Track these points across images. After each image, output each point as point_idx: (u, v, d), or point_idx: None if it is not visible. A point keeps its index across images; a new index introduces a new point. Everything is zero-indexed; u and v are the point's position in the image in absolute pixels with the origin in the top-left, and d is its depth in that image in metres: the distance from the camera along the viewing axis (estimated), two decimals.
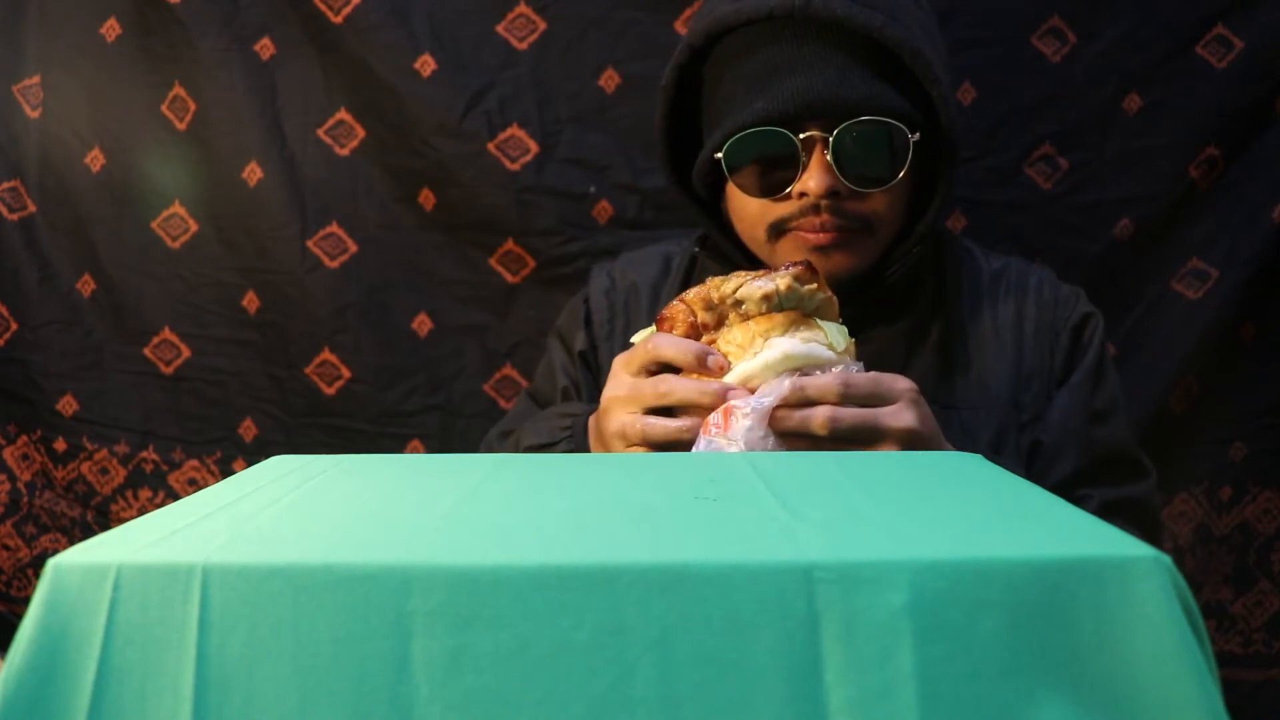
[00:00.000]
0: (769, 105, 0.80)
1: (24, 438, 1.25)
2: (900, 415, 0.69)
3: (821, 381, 0.68)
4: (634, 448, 0.73)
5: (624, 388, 0.73)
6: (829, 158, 0.80)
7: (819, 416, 0.67)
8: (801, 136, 0.80)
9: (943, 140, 0.83)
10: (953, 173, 0.85)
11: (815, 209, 0.82)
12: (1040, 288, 0.90)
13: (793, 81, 0.80)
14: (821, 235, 0.82)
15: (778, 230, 0.84)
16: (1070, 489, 0.83)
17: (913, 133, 0.80)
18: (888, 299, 0.87)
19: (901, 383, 0.70)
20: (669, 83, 0.88)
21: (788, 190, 0.82)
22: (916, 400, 0.70)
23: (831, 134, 0.80)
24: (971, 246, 0.94)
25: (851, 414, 0.68)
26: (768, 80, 0.81)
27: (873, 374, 0.70)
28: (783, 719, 0.39)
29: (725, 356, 0.71)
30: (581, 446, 0.81)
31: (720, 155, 0.83)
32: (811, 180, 0.81)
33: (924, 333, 0.87)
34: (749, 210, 0.85)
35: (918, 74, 0.80)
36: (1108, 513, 0.82)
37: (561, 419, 0.86)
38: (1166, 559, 0.40)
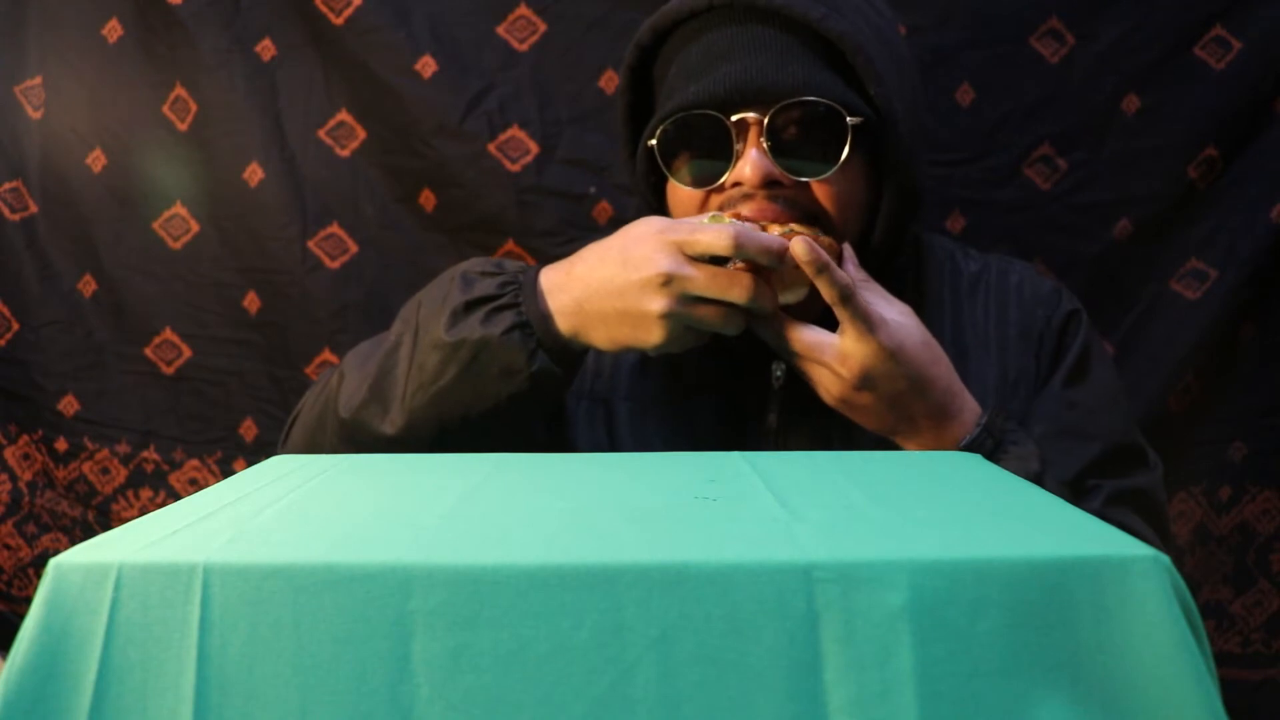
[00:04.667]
0: (701, 89, 0.78)
1: (25, 437, 1.25)
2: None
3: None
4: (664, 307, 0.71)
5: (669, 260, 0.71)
6: (765, 143, 0.78)
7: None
8: (734, 119, 0.78)
9: (889, 137, 0.80)
10: (902, 173, 0.82)
11: (751, 199, 0.79)
12: (1021, 287, 0.89)
13: (728, 66, 0.78)
14: None
15: None
16: (1078, 484, 0.82)
17: (852, 118, 0.78)
18: None
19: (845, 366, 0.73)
20: (623, 86, 0.86)
21: (721, 180, 0.79)
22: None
23: (766, 117, 0.77)
24: (951, 249, 0.92)
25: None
26: (704, 66, 0.79)
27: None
28: (783, 718, 0.39)
29: None
30: (531, 303, 0.76)
31: (654, 143, 0.81)
32: (746, 167, 0.78)
33: None
34: (688, 209, 0.82)
35: (857, 70, 0.78)
36: (1115, 503, 0.81)
37: (489, 279, 0.78)
38: (1165, 559, 0.40)
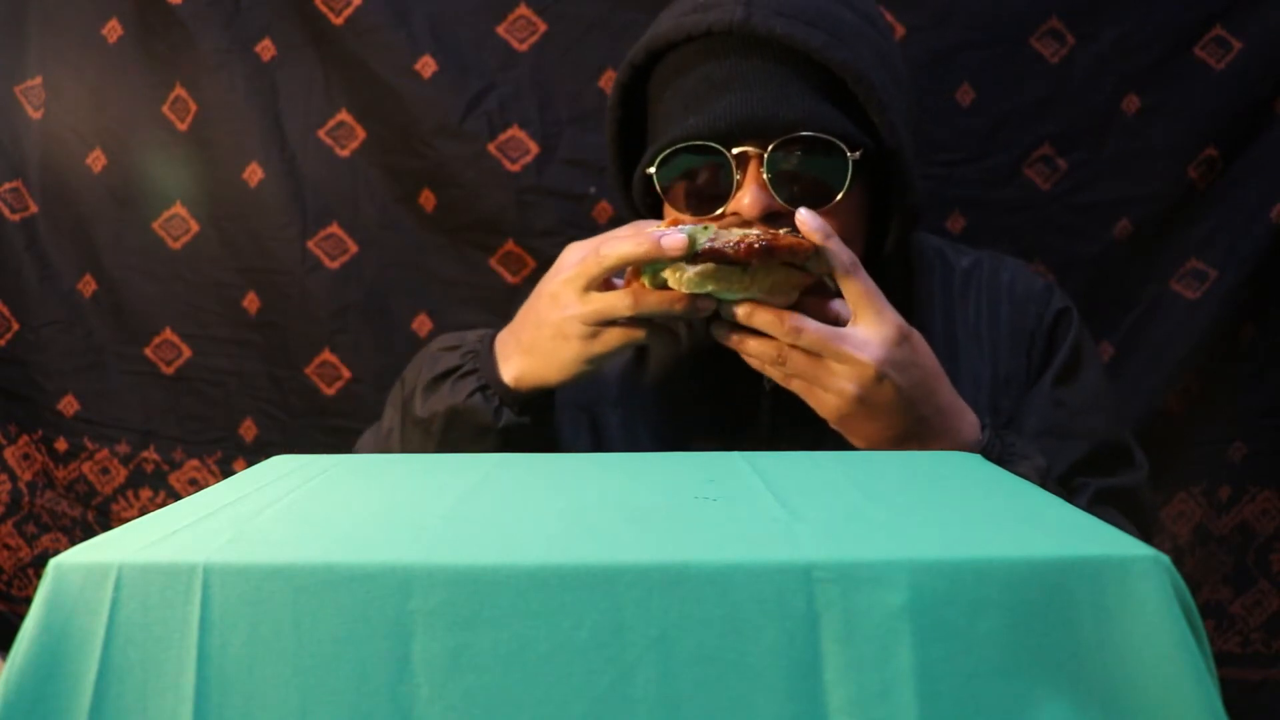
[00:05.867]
0: (702, 121, 0.77)
1: (25, 437, 1.25)
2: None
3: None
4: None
5: (572, 307, 0.75)
6: (765, 175, 0.77)
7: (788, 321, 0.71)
8: (735, 152, 0.77)
9: (892, 164, 0.80)
10: (906, 199, 0.82)
11: (749, 227, 0.77)
12: (1012, 285, 0.88)
13: (728, 97, 0.77)
14: None
15: None
16: (1065, 482, 0.82)
17: (853, 151, 0.77)
18: None
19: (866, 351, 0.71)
20: (614, 102, 0.86)
21: (720, 210, 0.79)
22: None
23: (766, 151, 0.77)
24: (942, 246, 0.92)
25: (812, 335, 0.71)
26: (704, 96, 0.78)
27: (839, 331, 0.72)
28: (782, 718, 0.39)
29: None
30: (487, 366, 0.80)
31: (652, 171, 0.81)
32: (745, 198, 0.77)
33: None
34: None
35: (860, 98, 0.78)
36: (1101, 501, 0.81)
37: (452, 352, 0.84)
38: (1165, 559, 0.40)
